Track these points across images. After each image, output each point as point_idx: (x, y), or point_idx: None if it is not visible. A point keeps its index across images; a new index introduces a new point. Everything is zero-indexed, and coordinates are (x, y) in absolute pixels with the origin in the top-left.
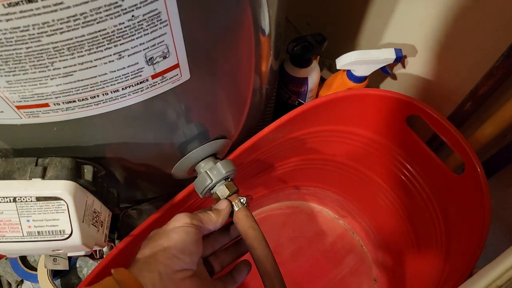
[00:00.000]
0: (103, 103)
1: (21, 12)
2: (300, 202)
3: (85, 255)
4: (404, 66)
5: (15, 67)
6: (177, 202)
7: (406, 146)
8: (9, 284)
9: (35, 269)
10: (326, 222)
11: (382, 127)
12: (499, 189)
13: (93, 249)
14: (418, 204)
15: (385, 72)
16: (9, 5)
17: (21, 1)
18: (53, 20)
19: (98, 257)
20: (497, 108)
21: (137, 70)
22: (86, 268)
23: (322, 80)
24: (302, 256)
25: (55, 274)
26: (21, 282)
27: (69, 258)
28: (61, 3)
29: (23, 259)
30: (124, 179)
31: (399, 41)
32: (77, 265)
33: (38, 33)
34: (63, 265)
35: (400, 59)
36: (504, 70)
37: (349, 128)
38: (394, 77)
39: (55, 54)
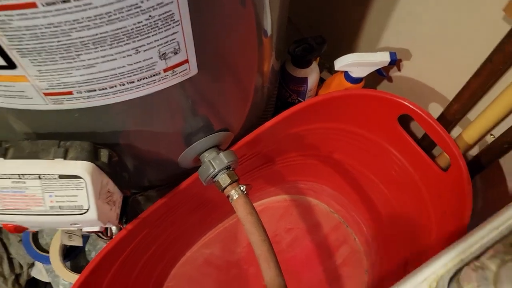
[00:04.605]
0: (120, 92)
1: (56, 10)
2: (298, 196)
3: (97, 231)
4: (399, 69)
5: (46, 58)
6: (182, 189)
7: (397, 144)
8: (21, 266)
9: (47, 252)
10: (322, 215)
11: (374, 126)
12: (486, 188)
13: (106, 225)
14: (408, 198)
15: (380, 74)
16: (47, 4)
17: (57, 1)
18: (82, 18)
19: (108, 236)
20: (482, 109)
21: (151, 63)
22: (94, 252)
23: (322, 81)
24: (298, 246)
25: (65, 257)
26: (32, 264)
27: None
28: (90, 3)
29: (36, 241)
30: (134, 167)
31: (395, 45)
32: (86, 249)
33: (68, 29)
34: (77, 242)
35: (394, 62)
36: (487, 73)
37: (344, 126)
38: (390, 79)
39: (82, 47)
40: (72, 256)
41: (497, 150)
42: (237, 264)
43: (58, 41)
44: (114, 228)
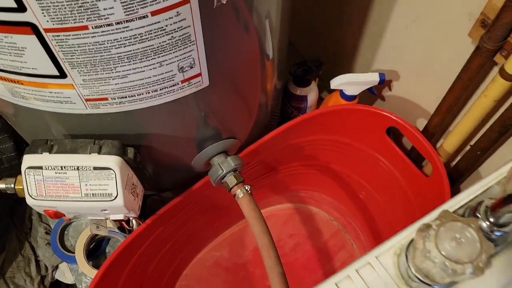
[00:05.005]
0: (145, 100)
1: (102, 31)
2: (300, 204)
3: (121, 220)
4: (390, 89)
5: (90, 69)
6: (195, 189)
7: (385, 153)
8: (46, 268)
9: (72, 252)
10: (322, 223)
11: (365, 137)
12: None
13: (129, 213)
14: (398, 203)
15: (371, 92)
16: (96, 27)
17: (103, 25)
18: (121, 38)
19: (130, 227)
20: (458, 121)
21: (172, 75)
22: None
23: (322, 100)
24: (300, 251)
25: (88, 257)
26: (56, 267)
27: (101, 242)
28: (127, 27)
29: (62, 243)
30: (154, 168)
31: (385, 67)
32: (107, 250)
33: (109, 46)
34: (104, 232)
35: (383, 81)
36: (458, 89)
37: (339, 137)
38: (383, 98)
39: (118, 61)
40: (94, 256)
41: (472, 158)
42: (244, 266)
43: (101, 56)
44: (135, 223)
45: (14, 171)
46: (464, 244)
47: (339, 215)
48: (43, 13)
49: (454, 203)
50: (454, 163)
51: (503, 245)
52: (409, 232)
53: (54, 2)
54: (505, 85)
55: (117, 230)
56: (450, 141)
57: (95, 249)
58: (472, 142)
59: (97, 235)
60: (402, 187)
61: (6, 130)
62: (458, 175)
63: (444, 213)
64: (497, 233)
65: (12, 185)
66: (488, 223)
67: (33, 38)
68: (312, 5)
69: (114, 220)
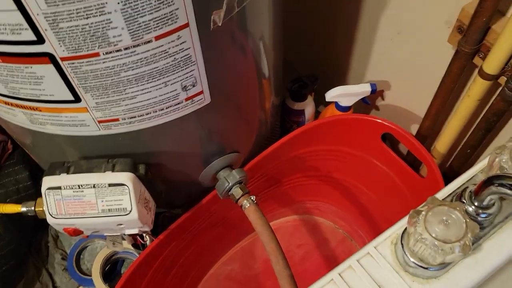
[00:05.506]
0: (153, 118)
1: (112, 57)
2: (306, 215)
3: (136, 235)
4: (383, 98)
5: (102, 93)
6: (204, 203)
7: (382, 158)
8: None
9: (88, 275)
10: (328, 232)
11: (362, 145)
12: None
13: (143, 227)
14: (398, 206)
15: (365, 102)
16: (106, 53)
17: (113, 51)
18: (129, 62)
19: (144, 241)
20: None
21: (176, 94)
22: None
23: (319, 114)
24: (309, 260)
25: (104, 278)
26: None
27: (117, 264)
28: (134, 51)
29: (78, 267)
30: (164, 185)
31: (377, 78)
32: (122, 272)
33: (119, 70)
34: (119, 248)
35: (375, 91)
36: (443, 92)
37: (337, 147)
38: (377, 108)
39: (127, 83)
40: (110, 278)
41: (463, 156)
42: (255, 277)
43: (111, 79)
44: (148, 238)
45: (30, 200)
46: (451, 225)
47: (344, 223)
48: (59, 43)
49: (443, 193)
50: (448, 163)
51: (490, 227)
52: (404, 223)
53: (69, 33)
54: (485, 85)
55: (131, 250)
56: (442, 142)
57: (111, 271)
58: (463, 142)
59: (112, 256)
60: (400, 190)
61: (22, 161)
62: (453, 174)
63: (431, 199)
64: (483, 215)
65: (33, 208)
66: (473, 207)
67: (50, 67)
68: (305, 25)
69: (129, 235)
